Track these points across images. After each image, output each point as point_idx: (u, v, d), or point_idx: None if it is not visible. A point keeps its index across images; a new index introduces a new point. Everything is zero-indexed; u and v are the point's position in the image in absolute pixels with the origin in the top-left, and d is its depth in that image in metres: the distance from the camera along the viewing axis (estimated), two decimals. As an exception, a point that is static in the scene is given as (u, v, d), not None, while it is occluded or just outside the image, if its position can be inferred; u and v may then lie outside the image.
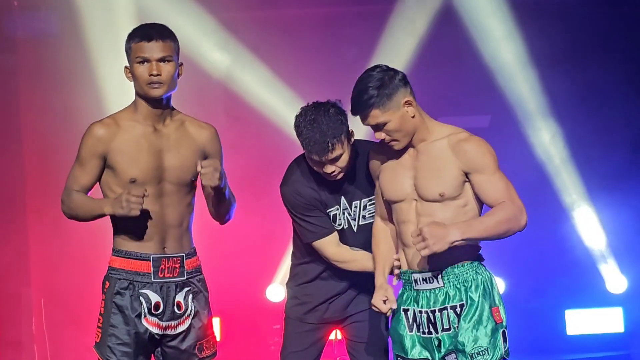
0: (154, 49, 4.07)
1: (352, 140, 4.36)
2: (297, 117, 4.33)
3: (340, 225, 4.46)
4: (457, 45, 8.36)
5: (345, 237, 4.46)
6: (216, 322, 4.48)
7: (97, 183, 4.18)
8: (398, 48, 8.29)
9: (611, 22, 8.50)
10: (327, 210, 4.45)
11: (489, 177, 3.94)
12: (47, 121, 7.91)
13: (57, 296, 7.69)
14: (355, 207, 4.44)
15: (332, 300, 4.54)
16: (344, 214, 4.45)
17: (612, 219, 8.53)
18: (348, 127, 4.30)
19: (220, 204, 4.26)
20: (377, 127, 3.99)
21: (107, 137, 4.10)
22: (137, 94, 4.16)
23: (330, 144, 4.23)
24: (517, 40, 8.38)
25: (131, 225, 4.13)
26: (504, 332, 4.00)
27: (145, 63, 4.08)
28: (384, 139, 4.02)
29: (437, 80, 8.46)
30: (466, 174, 3.97)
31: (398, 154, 4.09)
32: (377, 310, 4.14)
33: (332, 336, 4.74)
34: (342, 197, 4.44)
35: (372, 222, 4.29)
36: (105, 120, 4.17)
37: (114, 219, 4.16)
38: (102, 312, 4.16)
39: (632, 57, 8.51)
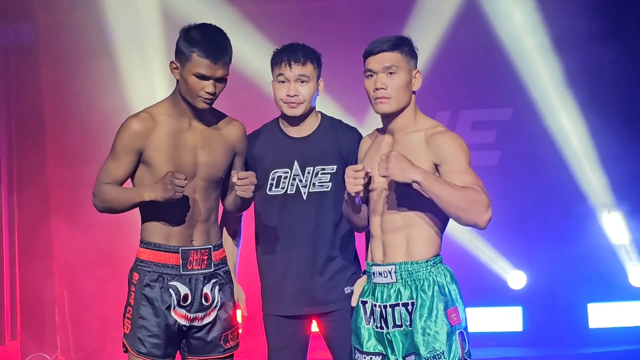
0: (217, 70, 4.05)
1: (320, 86, 4.45)
2: None
3: (283, 189, 4.44)
4: (480, 37, 8.36)
5: (292, 204, 4.44)
6: (237, 312, 4.51)
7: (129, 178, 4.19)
8: (420, 40, 8.29)
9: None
10: (273, 171, 4.44)
11: (459, 172, 3.86)
12: (70, 115, 7.95)
13: (79, 288, 7.73)
14: (308, 173, 4.43)
15: (282, 288, 4.47)
16: (294, 179, 4.44)
17: (635, 212, 8.53)
18: (321, 71, 4.43)
19: (242, 206, 4.31)
20: (385, 70, 3.98)
21: (144, 132, 4.10)
22: (181, 94, 4.14)
23: (303, 54, 4.35)
24: (540, 33, 8.37)
25: (161, 219, 4.16)
26: (461, 334, 3.93)
27: (204, 80, 4.05)
28: (377, 90, 3.99)
29: (459, 73, 8.47)
30: (436, 167, 3.92)
31: (380, 143, 4.10)
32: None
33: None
34: (296, 162, 4.45)
35: (324, 192, 4.28)
36: (142, 115, 4.16)
37: (145, 211, 4.18)
38: (132, 304, 4.17)
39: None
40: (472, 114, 8.71)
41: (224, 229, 4.57)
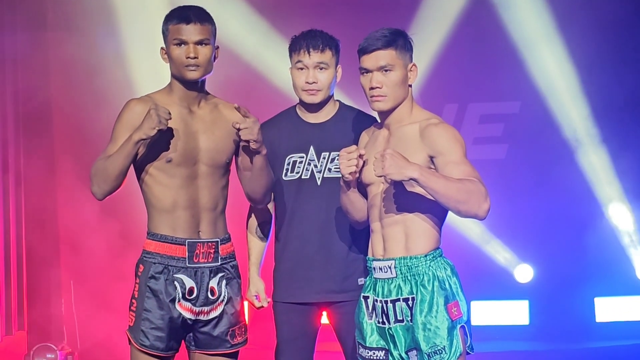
0: (191, 31, 4.09)
1: (338, 73, 4.43)
2: None
3: (298, 174, 4.43)
4: (489, 31, 8.35)
5: (306, 189, 4.43)
6: (245, 305, 4.50)
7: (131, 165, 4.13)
8: (429, 33, 8.29)
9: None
10: (288, 156, 4.44)
11: (455, 163, 3.83)
12: (78, 104, 7.93)
13: (86, 278, 7.74)
14: (324, 158, 4.42)
15: (294, 274, 4.46)
16: (309, 164, 4.43)
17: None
18: (339, 57, 4.41)
19: (261, 175, 4.24)
20: (380, 69, 3.94)
21: (145, 112, 4.06)
22: (173, 75, 4.19)
23: (322, 41, 4.34)
24: (548, 25, 8.35)
25: (166, 207, 4.14)
26: (463, 328, 3.90)
27: (183, 45, 4.10)
28: (372, 89, 3.95)
29: (467, 66, 8.46)
30: (432, 159, 3.88)
31: (377, 137, 4.08)
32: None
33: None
34: (312, 147, 4.44)
35: (339, 178, 4.13)
36: (143, 98, 4.18)
37: (149, 197, 4.17)
38: (136, 296, 4.15)
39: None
40: (480, 107, 8.71)
41: (251, 221, 4.59)
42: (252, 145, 4.11)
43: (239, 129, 4.08)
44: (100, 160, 4.08)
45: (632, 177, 8.51)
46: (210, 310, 4.18)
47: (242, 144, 4.17)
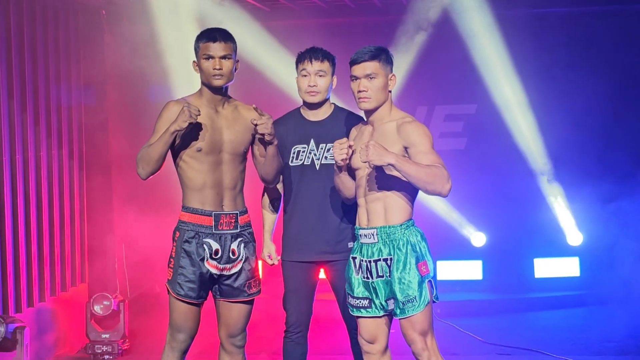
0: (217, 48, 4.11)
1: (334, 81, 4.44)
2: None
3: (301, 161, 4.44)
4: (452, 49, 8.30)
5: (308, 173, 4.44)
6: (259, 264, 4.49)
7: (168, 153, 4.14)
8: (406, 51, 8.25)
9: (590, 21, 8.39)
10: (294, 147, 4.44)
11: (424, 153, 3.86)
12: (130, 107, 7.88)
13: (134, 241, 7.74)
14: (321, 148, 4.43)
15: (298, 239, 4.46)
16: (310, 153, 4.43)
17: (572, 184, 8.51)
18: (335, 69, 4.42)
19: (273, 161, 4.25)
20: (366, 76, 3.96)
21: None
22: (203, 83, 4.20)
23: (322, 54, 4.37)
24: (500, 46, 8.31)
25: (197, 186, 4.15)
26: (430, 282, 3.93)
27: (210, 59, 4.11)
28: (359, 92, 3.97)
29: (435, 76, 8.43)
30: (406, 149, 3.91)
31: (363, 132, 4.09)
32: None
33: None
34: (312, 139, 4.44)
35: (333, 163, 4.14)
36: (179, 100, 4.20)
37: (184, 180, 4.18)
38: (173, 256, 4.17)
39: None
40: (445, 109, 8.70)
41: (264, 198, 4.59)
42: (267, 138, 4.14)
43: (256, 125, 4.10)
44: (144, 148, 4.10)
45: (565, 162, 8.51)
46: (231, 267, 4.21)
47: (258, 136, 4.20)
